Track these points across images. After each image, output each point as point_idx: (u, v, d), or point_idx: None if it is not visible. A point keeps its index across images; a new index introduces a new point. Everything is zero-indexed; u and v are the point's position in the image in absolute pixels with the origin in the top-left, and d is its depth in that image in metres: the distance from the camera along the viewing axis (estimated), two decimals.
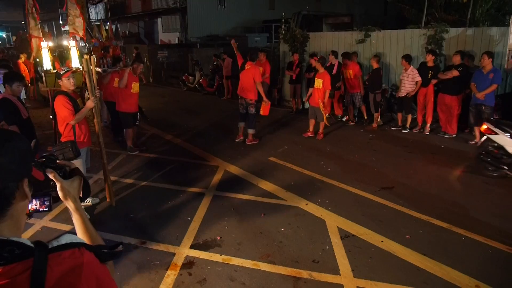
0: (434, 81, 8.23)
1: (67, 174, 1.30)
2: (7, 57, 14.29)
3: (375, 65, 8.89)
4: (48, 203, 1.22)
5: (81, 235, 1.29)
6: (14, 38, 29.90)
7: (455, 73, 7.74)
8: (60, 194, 1.25)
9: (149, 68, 18.38)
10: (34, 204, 1.19)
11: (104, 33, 12.09)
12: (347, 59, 9.25)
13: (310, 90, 8.35)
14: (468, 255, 3.87)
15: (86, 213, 1.32)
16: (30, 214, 1.16)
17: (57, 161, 1.31)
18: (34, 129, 5.16)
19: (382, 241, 4.14)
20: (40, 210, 1.20)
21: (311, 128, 8.40)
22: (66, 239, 1.03)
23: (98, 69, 7.54)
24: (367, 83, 9.14)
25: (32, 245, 0.97)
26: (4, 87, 4.86)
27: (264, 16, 22.65)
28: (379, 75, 8.92)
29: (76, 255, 0.99)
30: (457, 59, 7.84)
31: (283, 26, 12.02)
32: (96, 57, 5.15)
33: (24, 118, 4.87)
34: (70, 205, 1.28)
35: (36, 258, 0.94)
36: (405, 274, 3.59)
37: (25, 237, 1.04)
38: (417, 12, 13.95)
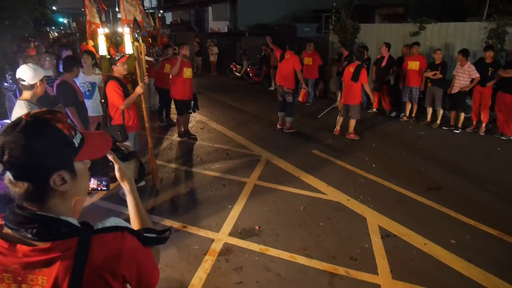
0: (494, 81, 7.70)
1: (125, 156, 1.37)
2: (69, 43, 15.08)
3: (440, 60, 8.39)
4: (106, 183, 1.28)
5: (133, 216, 1.35)
6: (74, 24, 31.41)
7: None
8: (117, 175, 1.32)
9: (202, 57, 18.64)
10: (93, 183, 1.25)
11: (151, 23, 12.41)
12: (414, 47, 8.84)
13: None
14: None
15: (139, 196, 1.38)
16: (90, 192, 1.23)
17: (117, 143, 1.37)
18: (87, 112, 5.43)
19: (425, 244, 4.00)
20: (99, 189, 1.26)
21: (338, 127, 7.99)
22: (111, 222, 1.08)
23: (149, 58, 7.74)
24: (431, 77, 8.54)
25: (78, 225, 1.03)
26: (64, 71, 5.16)
27: (315, 6, 22.15)
28: (446, 69, 8.44)
29: (118, 239, 1.03)
30: None
31: (333, 17, 11.75)
32: (145, 46, 5.29)
33: (80, 101, 5.16)
34: (125, 186, 1.34)
35: (81, 237, 0.99)
36: (447, 280, 3.45)
37: None
38: (478, 3, 13.11)
